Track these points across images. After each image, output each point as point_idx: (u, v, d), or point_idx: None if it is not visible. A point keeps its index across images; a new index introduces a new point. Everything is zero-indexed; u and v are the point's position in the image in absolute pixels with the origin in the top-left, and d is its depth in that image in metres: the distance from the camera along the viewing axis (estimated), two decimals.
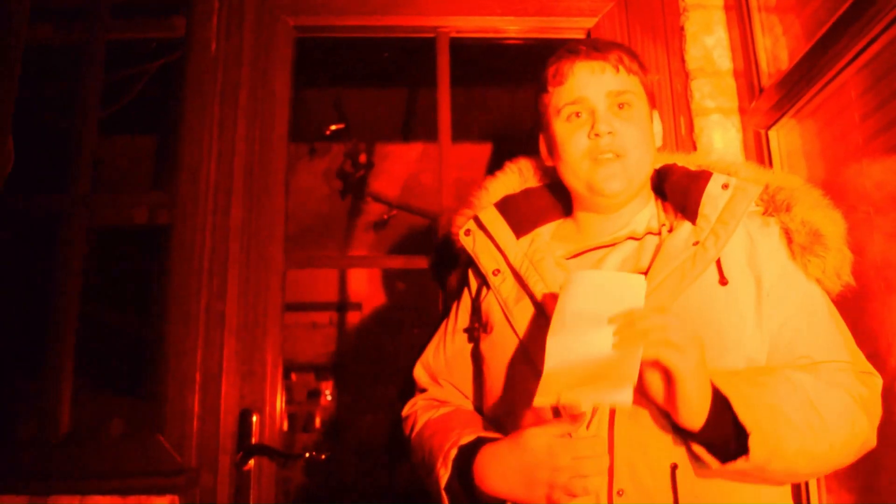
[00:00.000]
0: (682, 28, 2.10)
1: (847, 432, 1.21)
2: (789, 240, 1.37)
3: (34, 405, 1.98)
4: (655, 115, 1.51)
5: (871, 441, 1.25)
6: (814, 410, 1.19)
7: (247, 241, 1.97)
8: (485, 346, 1.45)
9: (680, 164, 1.50)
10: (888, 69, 1.56)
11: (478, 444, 1.29)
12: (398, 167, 4.28)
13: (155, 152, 3.67)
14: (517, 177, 1.63)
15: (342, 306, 4.96)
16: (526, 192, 1.58)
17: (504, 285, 1.45)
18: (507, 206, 1.54)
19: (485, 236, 1.52)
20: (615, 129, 1.37)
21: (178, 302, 1.89)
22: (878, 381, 1.29)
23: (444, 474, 1.29)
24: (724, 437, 1.14)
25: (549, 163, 1.51)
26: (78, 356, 1.92)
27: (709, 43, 2.07)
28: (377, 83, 3.60)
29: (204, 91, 2.05)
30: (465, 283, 1.60)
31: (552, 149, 1.47)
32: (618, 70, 1.41)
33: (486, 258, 1.50)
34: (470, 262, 1.57)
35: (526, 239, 1.51)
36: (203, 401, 1.83)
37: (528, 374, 1.28)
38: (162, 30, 2.37)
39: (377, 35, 2.25)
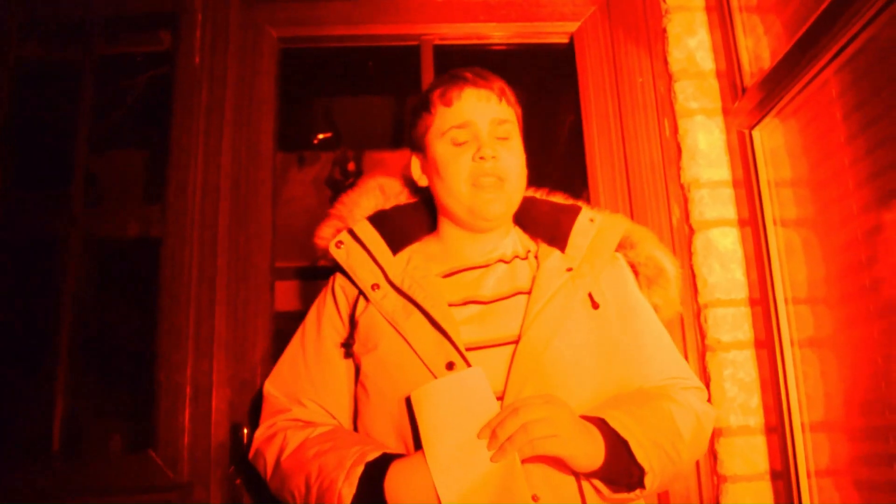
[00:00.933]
0: (664, 30, 2.10)
1: (700, 449, 1.44)
2: (636, 272, 1.60)
3: (30, 420, 1.98)
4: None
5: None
6: (681, 439, 1.33)
7: (234, 254, 1.97)
8: (369, 363, 1.43)
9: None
10: (868, 67, 1.57)
11: (386, 460, 1.27)
12: (388, 174, 4.27)
13: (144, 166, 3.66)
14: (379, 193, 1.68)
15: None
16: (397, 209, 1.64)
17: (386, 301, 1.45)
18: (382, 222, 1.58)
19: (361, 250, 1.53)
20: (498, 154, 1.45)
21: (167, 316, 1.89)
22: (705, 394, 1.52)
23: (347, 492, 1.23)
24: (620, 474, 1.24)
25: (422, 183, 1.58)
26: (76, 371, 1.92)
27: (691, 44, 2.08)
28: (365, 91, 3.61)
29: (189, 104, 2.05)
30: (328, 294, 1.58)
31: (432, 170, 1.52)
32: (500, 100, 1.50)
33: (363, 272, 1.50)
34: (336, 274, 1.58)
35: (403, 255, 1.54)
36: (194, 415, 1.82)
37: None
38: (149, 44, 2.38)
39: (361, 44, 2.25)
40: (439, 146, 1.49)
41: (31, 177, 2.31)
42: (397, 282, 1.46)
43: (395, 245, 1.56)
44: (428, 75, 2.15)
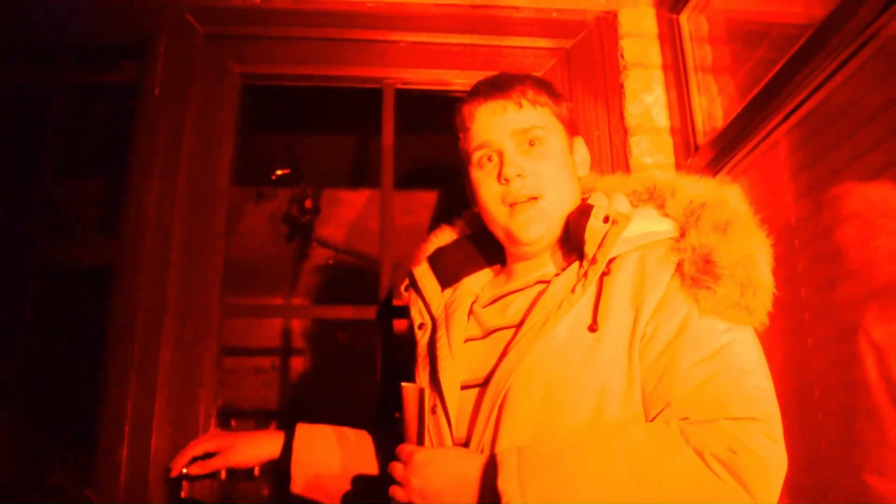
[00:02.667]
0: (621, 85, 2.15)
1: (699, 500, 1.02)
2: (682, 272, 1.19)
3: None
4: (578, 141, 1.44)
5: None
6: (634, 486, 1.03)
7: (184, 288, 1.94)
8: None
9: (615, 186, 1.40)
10: (817, 130, 1.62)
11: None
12: (346, 212, 4.27)
13: (104, 196, 3.62)
14: (462, 225, 1.60)
15: (286, 351, 4.89)
16: (458, 242, 1.54)
17: (423, 339, 1.41)
18: (436, 258, 1.51)
19: (415, 291, 1.49)
20: (524, 170, 1.31)
21: (115, 349, 1.85)
22: (763, 426, 1.06)
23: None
24: None
25: (475, 210, 1.45)
26: (22, 401, 1.87)
27: (648, 101, 2.12)
28: (327, 130, 3.62)
29: (148, 135, 2.03)
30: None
31: (472, 196, 1.42)
32: (521, 106, 1.35)
33: (416, 312, 1.46)
34: None
35: (450, 290, 1.47)
36: (132, 452, 1.77)
37: (431, 426, 1.27)
38: (112, 74, 2.36)
39: (323, 84, 2.26)
40: (472, 171, 1.39)
41: None
42: (437, 315, 1.41)
43: (448, 280, 1.48)
44: (388, 118, 2.16)
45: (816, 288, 1.61)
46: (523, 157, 1.32)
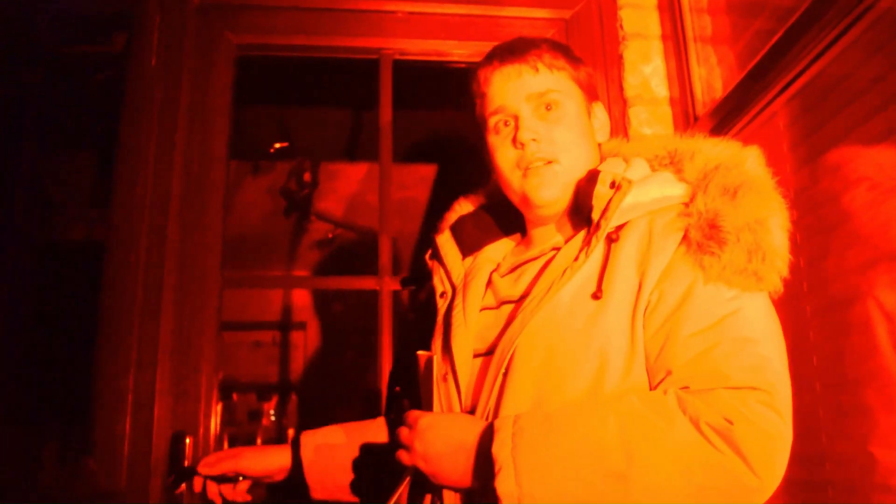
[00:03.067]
0: (620, 56, 2.14)
1: (683, 479, 1.00)
2: (688, 238, 1.15)
3: None
4: (598, 106, 1.42)
5: (749, 477, 0.99)
6: (627, 460, 1.01)
7: (182, 260, 1.94)
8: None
9: (637, 151, 1.35)
10: (815, 101, 1.62)
11: None
12: (344, 186, 4.27)
13: (92, 168, 3.61)
14: (484, 194, 1.57)
15: (285, 325, 4.91)
16: (479, 210, 1.52)
17: (443, 307, 1.41)
18: (458, 227, 1.49)
19: (437, 260, 1.48)
20: (540, 134, 1.29)
21: (110, 322, 1.85)
22: (765, 396, 1.03)
23: None
24: (486, 494, 1.06)
25: (494, 176, 1.42)
26: (9, 377, 1.87)
27: (646, 71, 2.12)
28: (323, 103, 3.60)
29: (142, 107, 2.02)
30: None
31: (489, 162, 1.40)
32: (537, 70, 1.32)
33: (437, 281, 1.46)
34: None
35: (470, 258, 1.46)
36: (135, 423, 1.78)
37: (442, 393, 1.28)
38: (103, 45, 2.34)
39: (320, 55, 2.24)
40: (488, 137, 1.37)
41: None
42: (457, 284, 1.41)
43: (469, 248, 1.47)
44: (387, 89, 2.15)
45: (815, 257, 1.61)
46: (539, 122, 1.30)
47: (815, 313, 1.61)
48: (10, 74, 2.16)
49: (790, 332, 1.60)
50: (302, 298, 4.88)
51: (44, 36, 2.18)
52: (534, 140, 1.29)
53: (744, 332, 1.09)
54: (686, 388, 1.06)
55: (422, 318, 1.53)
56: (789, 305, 1.61)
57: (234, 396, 4.85)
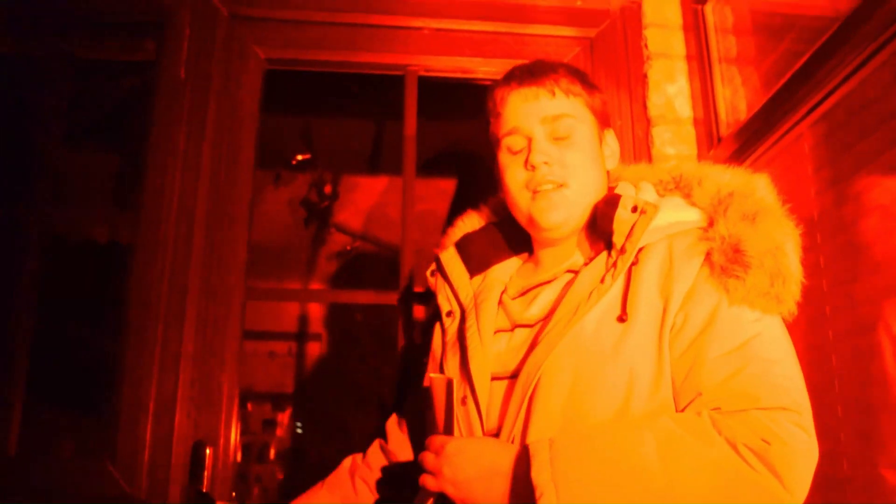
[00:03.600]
0: (645, 76, 2.15)
1: (721, 497, 1.02)
2: (710, 262, 1.19)
3: None
4: (609, 134, 1.44)
5: (782, 494, 1.01)
6: (660, 475, 1.03)
7: (207, 269, 1.96)
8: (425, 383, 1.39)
9: (641, 175, 1.40)
10: (841, 123, 1.62)
11: None
12: (364, 198, 4.29)
13: (117, 171, 3.64)
14: (489, 212, 1.59)
15: (301, 336, 4.92)
16: (486, 228, 1.54)
17: (451, 327, 1.41)
18: (464, 245, 1.50)
19: (442, 277, 1.48)
20: (552, 158, 1.31)
21: (135, 327, 1.87)
22: (795, 416, 1.06)
23: None
24: None
25: (501, 194, 1.44)
26: (31, 372, 1.89)
27: (671, 91, 2.12)
28: (346, 114, 3.63)
29: (171, 115, 2.04)
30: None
31: (498, 180, 1.42)
32: (554, 94, 1.34)
33: (443, 299, 1.46)
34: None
35: (479, 277, 1.47)
36: (156, 430, 1.80)
37: (461, 416, 1.26)
38: (132, 51, 2.37)
39: (347, 70, 2.27)
40: (500, 155, 1.39)
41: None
42: (466, 304, 1.42)
43: (476, 267, 1.48)
44: (412, 105, 2.17)
45: (838, 281, 1.61)
46: (551, 145, 1.32)
47: (837, 338, 1.60)
48: (39, 79, 2.19)
49: (813, 356, 1.60)
50: (318, 309, 4.90)
51: (74, 41, 2.21)
52: (545, 163, 1.31)
53: (770, 354, 1.12)
54: (717, 409, 1.08)
55: (424, 337, 1.53)
56: (812, 329, 1.61)
57: (249, 406, 4.87)
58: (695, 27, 2.14)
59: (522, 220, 1.38)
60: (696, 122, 2.09)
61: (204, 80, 2.09)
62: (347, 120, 3.74)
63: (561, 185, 1.31)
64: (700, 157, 2.05)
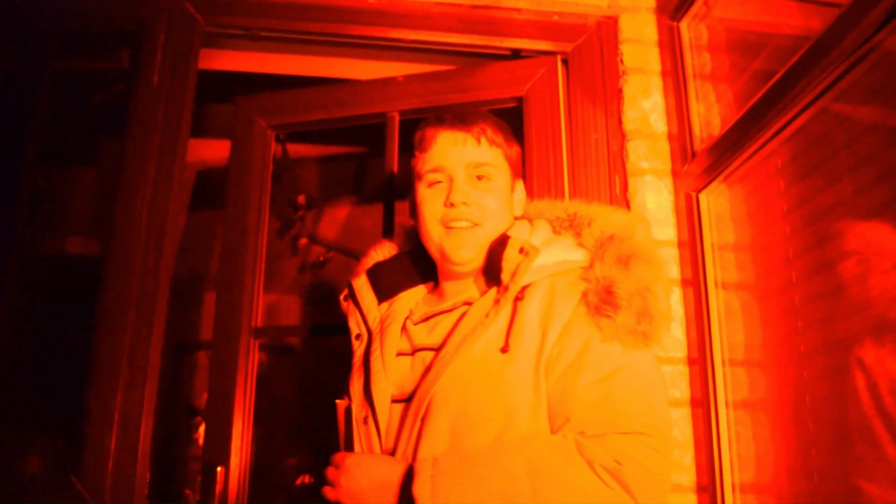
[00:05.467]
0: (620, 90, 2.15)
1: None
2: (586, 300, 1.31)
3: None
4: (518, 184, 1.56)
5: None
6: (532, 496, 1.16)
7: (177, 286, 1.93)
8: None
9: (541, 212, 1.54)
10: (812, 142, 1.63)
11: None
12: (339, 210, 4.27)
13: (96, 185, 3.60)
14: (401, 241, 1.70)
15: (274, 349, 4.88)
16: (397, 257, 1.64)
17: (359, 350, 1.52)
18: (375, 272, 1.61)
19: (352, 303, 1.59)
20: (470, 199, 1.43)
21: (103, 339, 1.84)
22: (652, 441, 1.19)
23: None
24: None
25: (412, 223, 1.58)
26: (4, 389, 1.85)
27: (646, 106, 2.13)
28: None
29: (145, 125, 2.02)
30: None
31: (413, 211, 1.53)
32: (479, 142, 1.46)
33: (353, 323, 1.57)
34: None
35: (386, 304, 1.57)
36: (121, 443, 1.76)
37: (363, 435, 1.39)
38: (108, 61, 2.35)
39: (338, 126, 2.42)
40: (419, 188, 1.50)
41: None
42: (373, 328, 1.52)
43: (385, 293, 1.58)
44: (392, 143, 2.27)
45: (810, 297, 1.62)
46: (471, 188, 1.45)
47: (807, 353, 1.61)
48: (15, 89, 2.16)
49: (785, 371, 1.61)
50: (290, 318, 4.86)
51: (50, 51, 2.18)
52: (464, 203, 1.43)
53: (632, 385, 1.26)
54: (582, 433, 1.21)
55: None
56: (784, 343, 1.62)
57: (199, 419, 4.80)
58: (670, 43, 2.16)
59: (433, 251, 1.49)
60: (670, 137, 2.10)
61: (179, 90, 2.07)
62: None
63: (476, 225, 1.44)
64: (674, 171, 2.06)
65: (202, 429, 4.91)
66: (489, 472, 1.19)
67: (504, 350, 1.30)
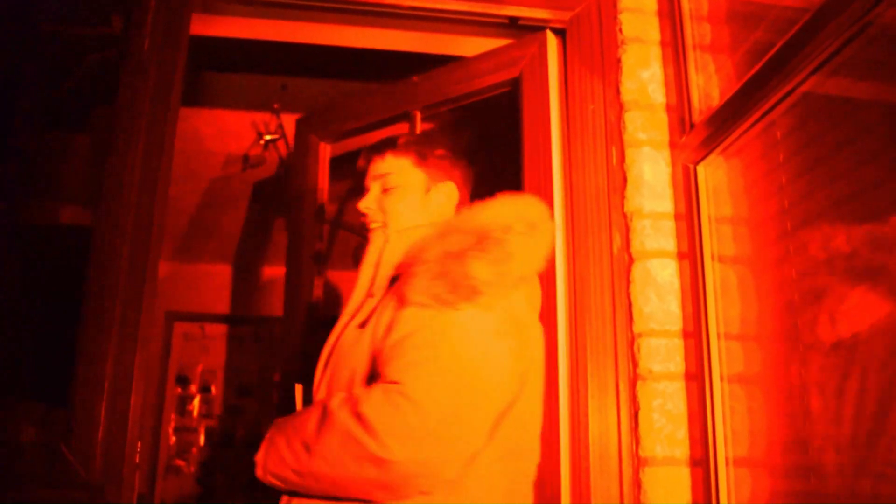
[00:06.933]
0: (619, 60, 2.13)
1: (347, 461, 1.32)
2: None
3: None
4: (444, 187, 1.80)
5: (374, 447, 1.29)
6: (311, 442, 1.39)
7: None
8: None
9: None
10: (811, 114, 1.61)
11: None
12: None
13: (89, 152, 3.56)
14: None
15: (265, 320, 4.88)
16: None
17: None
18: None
19: None
20: (371, 207, 1.75)
21: (93, 307, 1.82)
22: (394, 387, 1.34)
23: None
24: None
25: None
26: None
27: (644, 76, 2.10)
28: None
29: (135, 91, 1.99)
30: None
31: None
32: (384, 157, 1.77)
33: None
34: None
35: None
36: (111, 411, 1.75)
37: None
38: (99, 26, 2.31)
39: (373, 130, 2.68)
40: None
41: None
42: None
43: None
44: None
45: (803, 273, 1.60)
46: (379, 196, 1.76)
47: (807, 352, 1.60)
48: (5, 54, 2.13)
49: (784, 369, 1.59)
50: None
51: (40, 16, 2.15)
52: (367, 208, 1.76)
53: (418, 342, 1.42)
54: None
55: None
56: (783, 340, 1.61)
57: (213, 390, 4.80)
58: (670, 13, 2.13)
59: None
60: (668, 108, 2.08)
61: (170, 55, 2.04)
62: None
63: (384, 227, 1.73)
64: (672, 143, 2.04)
65: (196, 400, 4.95)
66: (296, 422, 1.46)
67: (361, 326, 1.57)
